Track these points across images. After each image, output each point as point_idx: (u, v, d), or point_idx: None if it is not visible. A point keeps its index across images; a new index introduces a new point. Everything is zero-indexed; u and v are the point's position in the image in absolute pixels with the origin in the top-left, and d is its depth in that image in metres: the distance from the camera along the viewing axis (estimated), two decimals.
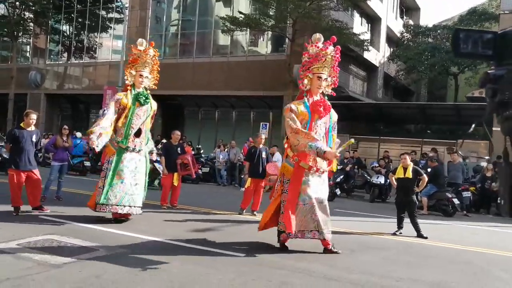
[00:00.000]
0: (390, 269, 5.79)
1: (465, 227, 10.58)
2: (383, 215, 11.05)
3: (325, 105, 6.38)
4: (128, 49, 26.49)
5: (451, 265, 6.28)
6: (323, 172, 6.28)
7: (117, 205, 7.43)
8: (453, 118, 21.05)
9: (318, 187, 6.24)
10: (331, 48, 6.41)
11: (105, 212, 7.55)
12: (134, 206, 7.63)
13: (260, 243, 6.79)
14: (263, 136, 10.11)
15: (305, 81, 6.43)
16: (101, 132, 7.15)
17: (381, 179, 14.54)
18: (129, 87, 7.95)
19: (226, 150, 17.66)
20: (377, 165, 15.48)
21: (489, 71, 2.38)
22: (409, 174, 8.43)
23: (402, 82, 31.11)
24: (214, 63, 23.70)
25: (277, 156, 15.69)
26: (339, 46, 6.53)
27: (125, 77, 8.07)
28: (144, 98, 7.90)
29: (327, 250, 6.31)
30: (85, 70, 28.96)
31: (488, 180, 13.61)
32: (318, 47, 6.40)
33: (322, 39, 6.55)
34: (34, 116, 8.08)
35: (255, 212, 9.58)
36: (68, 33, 29.87)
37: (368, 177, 15.39)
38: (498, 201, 12.13)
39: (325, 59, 6.40)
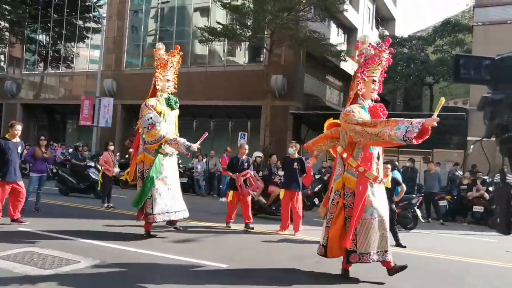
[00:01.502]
0: (371, 277, 5.89)
1: (442, 235, 10.80)
2: None
3: (383, 110, 5.95)
4: (106, 59, 26.44)
5: (427, 273, 6.42)
6: (380, 182, 5.76)
7: (168, 212, 7.44)
8: None
9: (384, 200, 5.77)
10: (387, 50, 6.03)
11: (159, 221, 7.55)
12: (183, 210, 7.69)
13: (241, 254, 6.83)
14: (246, 147, 9.92)
15: (361, 84, 5.89)
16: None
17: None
18: (158, 93, 7.85)
19: (204, 160, 17.64)
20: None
21: (487, 95, 2.50)
22: (388, 184, 8.39)
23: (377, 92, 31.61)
24: (192, 73, 23.69)
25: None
26: (392, 49, 6.13)
27: (156, 82, 7.87)
28: (174, 102, 7.89)
29: (391, 271, 5.64)
30: (62, 80, 28.61)
31: (462, 189, 13.93)
32: (375, 48, 5.99)
33: (370, 40, 6.20)
34: (19, 127, 8.02)
35: (251, 226, 9.20)
36: (44, 42, 29.51)
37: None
38: (494, 218, 12.15)
39: (381, 62, 5.99)
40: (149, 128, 7.22)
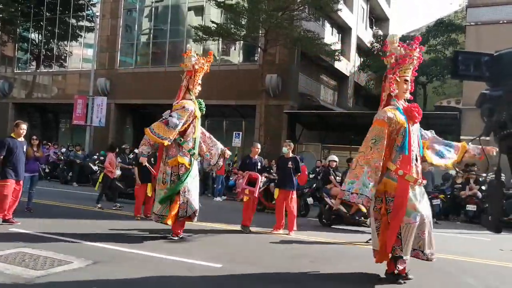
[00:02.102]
0: (365, 277, 5.90)
1: (435, 234, 10.80)
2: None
3: (418, 110, 5.81)
4: (100, 58, 26.29)
5: (421, 272, 6.42)
6: (420, 184, 5.63)
7: (197, 210, 7.54)
8: (422, 126, 21.50)
9: (424, 202, 5.64)
10: (417, 49, 5.85)
11: (195, 221, 7.67)
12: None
13: (235, 254, 6.80)
14: (259, 146, 9.62)
15: (394, 85, 5.74)
16: None
17: (438, 202, 14.59)
18: (190, 96, 7.83)
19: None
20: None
21: (485, 92, 2.49)
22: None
23: (372, 92, 31.72)
24: None
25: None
26: (422, 47, 5.96)
27: (193, 86, 7.87)
28: (203, 106, 7.98)
29: (389, 276, 5.58)
30: (55, 79, 28.45)
31: (456, 188, 13.98)
32: (406, 47, 5.81)
33: (398, 38, 6.00)
34: (24, 126, 8.11)
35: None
36: (37, 41, 29.32)
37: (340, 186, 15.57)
38: (486, 216, 12.24)
39: (412, 61, 5.81)
40: (162, 121, 7.31)
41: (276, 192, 9.39)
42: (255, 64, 22.41)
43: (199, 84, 7.93)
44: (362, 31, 30.88)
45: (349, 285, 5.37)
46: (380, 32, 32.39)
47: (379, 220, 5.54)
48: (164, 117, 7.40)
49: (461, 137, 18.30)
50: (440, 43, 26.24)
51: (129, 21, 26.54)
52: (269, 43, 19.84)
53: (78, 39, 27.97)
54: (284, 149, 9.43)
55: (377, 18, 35.26)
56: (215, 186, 16.65)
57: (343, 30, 28.35)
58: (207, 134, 8.53)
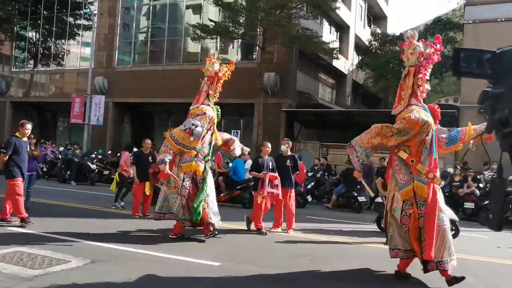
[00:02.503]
0: (364, 277, 5.90)
1: None
2: (353, 222, 11.21)
3: (440, 111, 5.82)
4: (98, 56, 26.19)
5: (419, 270, 6.43)
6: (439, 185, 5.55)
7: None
8: None
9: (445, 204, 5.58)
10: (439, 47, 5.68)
11: (218, 226, 7.61)
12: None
13: (234, 252, 6.80)
14: (269, 145, 9.35)
15: (424, 84, 5.62)
16: None
17: (365, 198, 14.66)
18: (208, 102, 7.80)
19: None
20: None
21: (487, 89, 2.48)
22: None
23: (370, 90, 31.73)
24: (184, 70, 23.58)
25: (248, 163, 15.72)
26: (442, 47, 5.80)
27: (213, 92, 7.89)
28: (219, 112, 7.97)
29: (451, 282, 5.35)
30: (52, 77, 28.36)
31: (454, 186, 14.01)
32: (431, 46, 5.67)
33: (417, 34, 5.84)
34: (29, 126, 8.11)
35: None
36: (34, 39, 29.21)
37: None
38: (487, 215, 12.17)
39: (433, 60, 5.68)
40: (186, 130, 7.25)
41: None
42: (253, 62, 22.38)
43: (220, 90, 8.03)
44: (360, 29, 30.87)
45: (349, 284, 5.36)
46: (378, 30, 32.39)
47: (406, 225, 5.38)
48: (187, 127, 7.27)
49: None
50: None
51: (127, 20, 26.47)
52: (267, 41, 19.82)
53: (76, 37, 27.87)
54: (283, 147, 9.40)
55: (375, 16, 35.25)
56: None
57: (341, 28, 28.33)
58: (228, 136, 8.70)
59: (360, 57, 30.79)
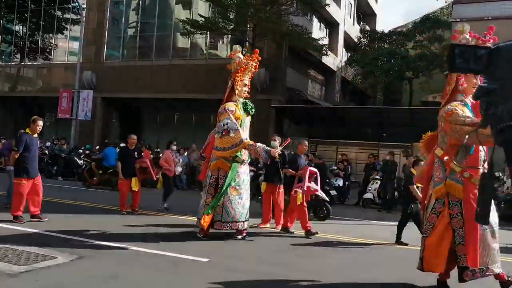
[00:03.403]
0: (351, 271, 5.94)
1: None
2: (342, 217, 11.27)
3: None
4: (86, 51, 25.97)
5: (408, 264, 6.49)
6: None
7: (238, 222, 7.26)
8: (408, 121, 21.73)
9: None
10: (491, 40, 5.34)
11: (226, 230, 7.33)
12: (248, 220, 7.47)
13: (223, 248, 6.80)
14: (306, 143, 9.18)
15: (463, 79, 5.28)
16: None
17: (340, 182, 14.83)
18: (235, 97, 7.61)
19: (185, 153, 17.52)
20: (336, 168, 15.77)
21: (482, 85, 2.51)
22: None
23: (359, 87, 31.85)
24: (174, 65, 23.49)
25: None
26: (496, 37, 5.38)
27: (235, 86, 7.63)
28: (250, 107, 7.72)
29: (505, 285, 5.00)
30: (40, 72, 28.07)
31: None
32: (479, 38, 5.38)
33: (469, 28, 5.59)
34: (41, 123, 8.02)
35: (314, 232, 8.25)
36: (21, 33, 28.86)
37: (327, 180, 15.65)
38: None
39: None
40: (223, 134, 7.10)
41: (264, 186, 9.35)
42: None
43: (246, 84, 7.72)
44: (350, 27, 30.96)
45: (335, 278, 5.40)
46: (367, 28, 32.51)
47: (431, 223, 5.07)
48: (221, 131, 7.13)
49: None
50: (426, 39, 26.43)
51: (115, 14, 26.25)
52: (257, 38, 19.79)
53: (64, 31, 27.59)
54: (273, 143, 9.36)
55: (364, 14, 35.38)
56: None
57: (331, 25, 28.38)
58: None
59: (349, 54, 30.90)
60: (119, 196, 9.89)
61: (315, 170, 8.57)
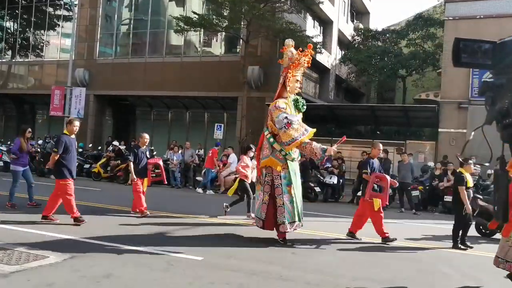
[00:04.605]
0: (345, 268, 5.92)
1: (414, 225, 10.97)
2: (336, 215, 11.27)
3: None
4: (78, 48, 25.80)
5: (402, 262, 6.50)
6: None
7: (299, 221, 7.19)
8: (401, 119, 21.80)
9: None
10: None
11: (291, 231, 7.22)
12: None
13: (216, 246, 6.76)
14: (381, 147, 8.64)
15: None
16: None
17: (334, 179, 14.83)
18: (286, 93, 7.41)
19: (180, 151, 17.45)
20: (330, 165, 15.76)
21: (488, 80, 2.48)
22: (470, 183, 7.69)
23: (353, 84, 31.88)
24: (167, 63, 23.39)
25: (233, 157, 15.71)
26: None
27: (287, 83, 7.38)
28: (302, 104, 7.53)
29: None
30: (31, 69, 27.85)
31: (436, 179, 14.20)
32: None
33: None
34: (77, 123, 7.97)
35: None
36: (12, 30, 28.59)
37: (321, 177, 15.67)
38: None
39: None
40: (286, 127, 6.87)
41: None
42: (237, 55, 22.29)
43: (298, 80, 7.49)
44: (343, 24, 30.95)
45: (329, 277, 5.37)
46: (361, 26, 32.54)
47: None
48: (283, 125, 6.89)
49: (439, 130, 18.61)
50: (419, 37, 26.52)
51: (108, 11, 26.08)
52: (251, 35, 19.75)
53: (56, 28, 27.38)
54: None
55: (358, 12, 35.39)
56: (197, 178, 16.57)
57: (325, 23, 28.36)
58: None
59: (343, 52, 30.90)
60: (110, 196, 9.78)
61: (384, 176, 7.90)
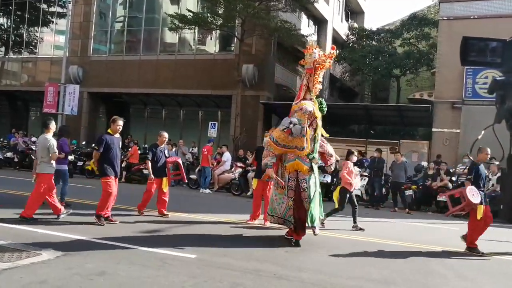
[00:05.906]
0: (340, 267, 5.94)
1: (408, 224, 11.02)
2: None
3: None
4: (72, 45, 25.68)
5: (395, 262, 6.52)
6: None
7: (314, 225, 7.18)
8: (395, 119, 21.88)
9: None
10: None
11: (318, 233, 7.34)
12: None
13: (211, 245, 6.76)
14: (489, 151, 7.76)
15: None
16: None
17: (328, 178, 14.86)
18: (309, 95, 7.35)
19: (173, 149, 17.42)
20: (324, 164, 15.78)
21: (497, 78, 2.49)
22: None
23: (347, 84, 31.94)
24: (161, 61, 23.33)
25: (227, 155, 15.69)
26: None
27: (313, 85, 7.34)
28: (324, 105, 7.53)
29: None
30: (25, 65, 27.67)
31: (429, 178, 14.27)
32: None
33: None
34: (121, 122, 7.96)
35: None
36: (5, 26, 28.38)
37: None
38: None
39: None
40: (284, 130, 6.93)
41: (255, 182, 9.32)
42: (231, 54, 22.27)
43: (320, 82, 7.49)
44: (338, 24, 30.99)
45: (324, 276, 5.39)
46: (356, 25, 32.59)
47: None
48: (285, 126, 6.91)
49: (433, 129, 18.70)
50: (414, 36, 26.60)
51: (103, 8, 25.96)
52: (246, 33, 19.73)
53: (50, 25, 27.20)
54: (266, 139, 9.27)
55: (353, 11, 35.46)
56: (190, 176, 16.52)
57: (319, 22, 28.39)
58: (329, 149, 7.88)
59: (337, 51, 30.91)
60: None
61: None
